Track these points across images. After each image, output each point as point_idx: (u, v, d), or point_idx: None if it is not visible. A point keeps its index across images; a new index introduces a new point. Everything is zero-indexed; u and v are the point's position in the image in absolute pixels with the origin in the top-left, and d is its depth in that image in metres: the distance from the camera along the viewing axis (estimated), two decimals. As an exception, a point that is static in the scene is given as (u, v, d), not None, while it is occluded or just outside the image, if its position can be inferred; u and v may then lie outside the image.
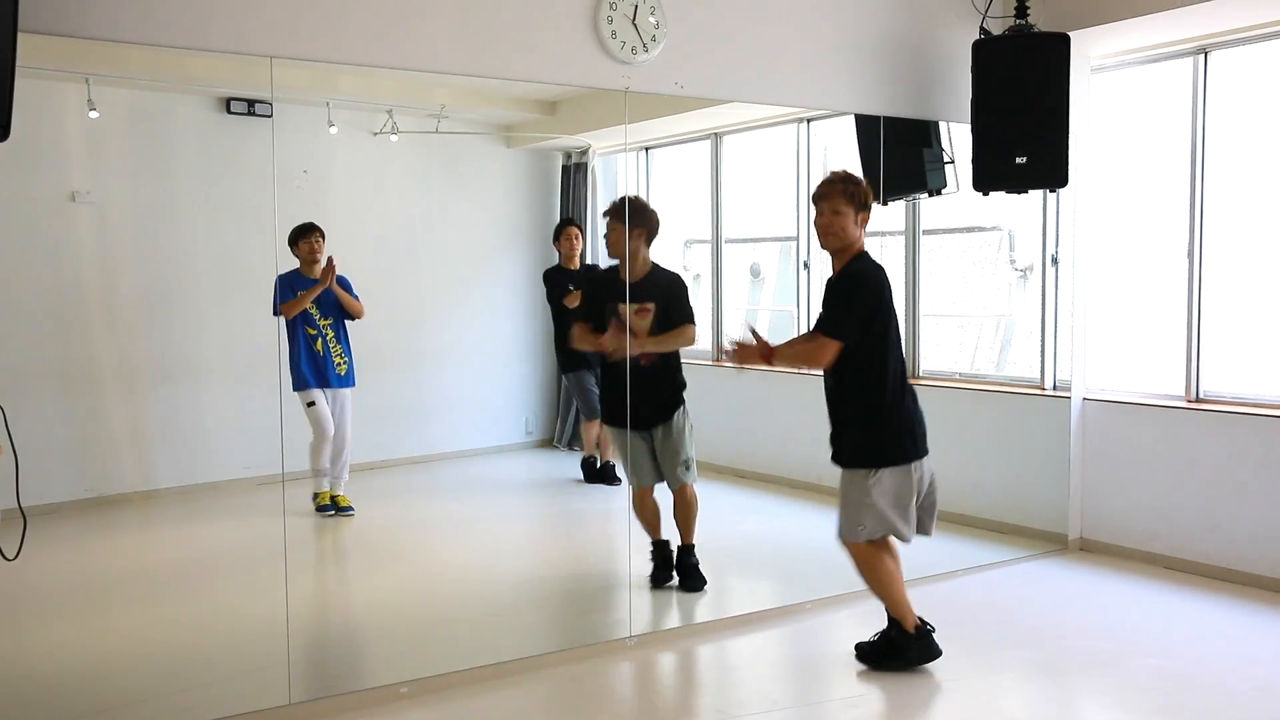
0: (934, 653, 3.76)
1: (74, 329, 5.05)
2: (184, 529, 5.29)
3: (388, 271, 5.65)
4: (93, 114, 4.82)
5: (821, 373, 3.72)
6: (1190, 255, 4.98)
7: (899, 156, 5.07)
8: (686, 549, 4.59)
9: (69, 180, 4.94)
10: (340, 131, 5.39)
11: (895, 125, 4.92)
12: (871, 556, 3.68)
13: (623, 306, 4.43)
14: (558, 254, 5.61)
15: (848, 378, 3.62)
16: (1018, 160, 4.58)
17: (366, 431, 5.45)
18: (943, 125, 5.11)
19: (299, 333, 5.16)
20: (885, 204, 5.21)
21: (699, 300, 5.31)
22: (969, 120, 4.71)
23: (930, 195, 5.34)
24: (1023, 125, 4.57)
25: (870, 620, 3.90)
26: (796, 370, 3.99)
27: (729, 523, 5.54)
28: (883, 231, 5.85)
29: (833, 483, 3.78)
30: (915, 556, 3.96)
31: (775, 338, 3.75)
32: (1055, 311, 5.39)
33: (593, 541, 5.59)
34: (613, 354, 4.43)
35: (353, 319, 5.26)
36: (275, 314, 4.95)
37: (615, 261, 4.51)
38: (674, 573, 4.61)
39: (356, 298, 5.23)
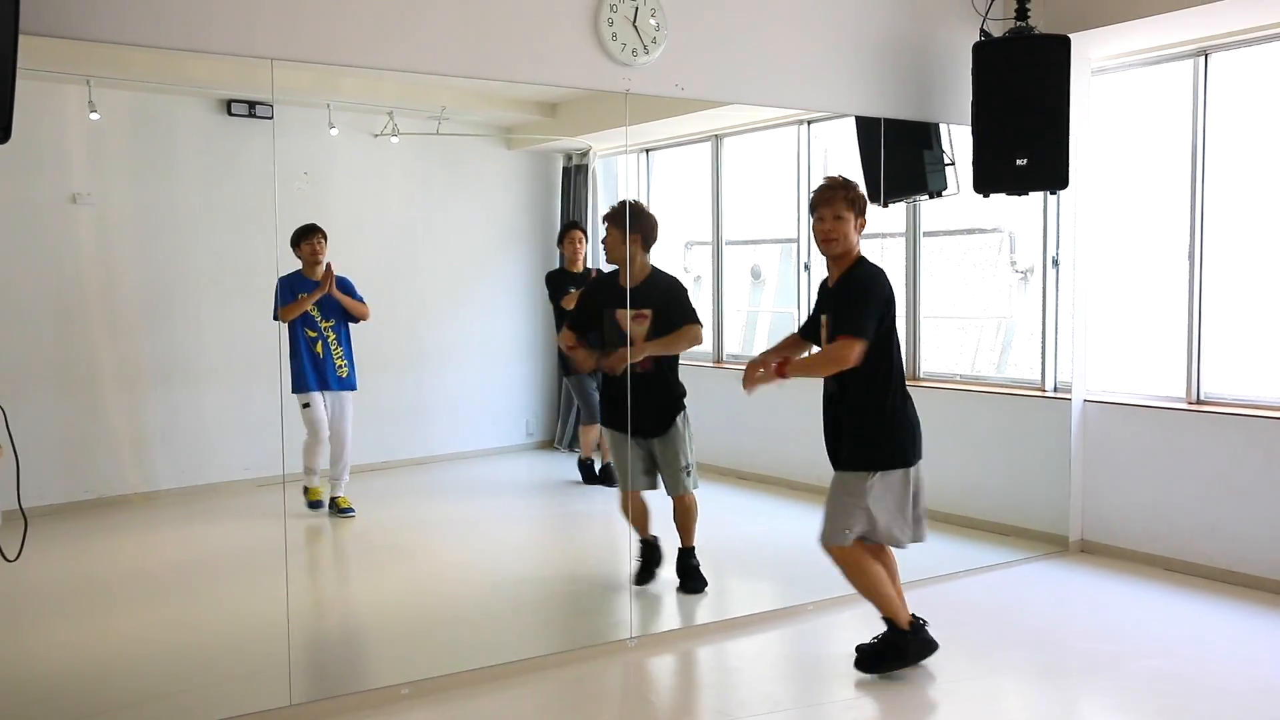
0: (931, 646, 3.77)
1: (75, 330, 5.05)
2: (184, 530, 5.29)
3: (388, 273, 5.66)
4: (94, 116, 4.83)
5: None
6: (1191, 257, 4.98)
7: (899, 158, 5.07)
8: (687, 551, 4.59)
9: (70, 182, 4.94)
10: (341, 133, 5.39)
11: (896, 127, 4.93)
12: (858, 558, 3.66)
13: (621, 313, 4.43)
14: (561, 257, 5.62)
15: (853, 379, 3.60)
16: (1018, 162, 4.59)
17: (367, 433, 5.46)
18: (943, 127, 5.11)
19: (300, 334, 5.17)
20: (886, 206, 5.21)
21: (700, 302, 5.31)
22: (969, 122, 4.72)
23: (931, 197, 5.34)
24: (1023, 127, 4.57)
25: (871, 622, 3.89)
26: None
27: (730, 524, 5.54)
28: (883, 233, 5.85)
29: (834, 484, 3.77)
30: (916, 558, 3.96)
31: (776, 338, 3.73)
32: (1056, 313, 5.39)
33: (594, 543, 5.59)
34: (610, 369, 4.43)
35: (357, 322, 5.27)
36: (275, 318, 4.96)
37: (614, 266, 4.52)
38: (657, 572, 4.63)
39: (361, 299, 5.23)
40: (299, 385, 5.18)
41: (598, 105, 5.06)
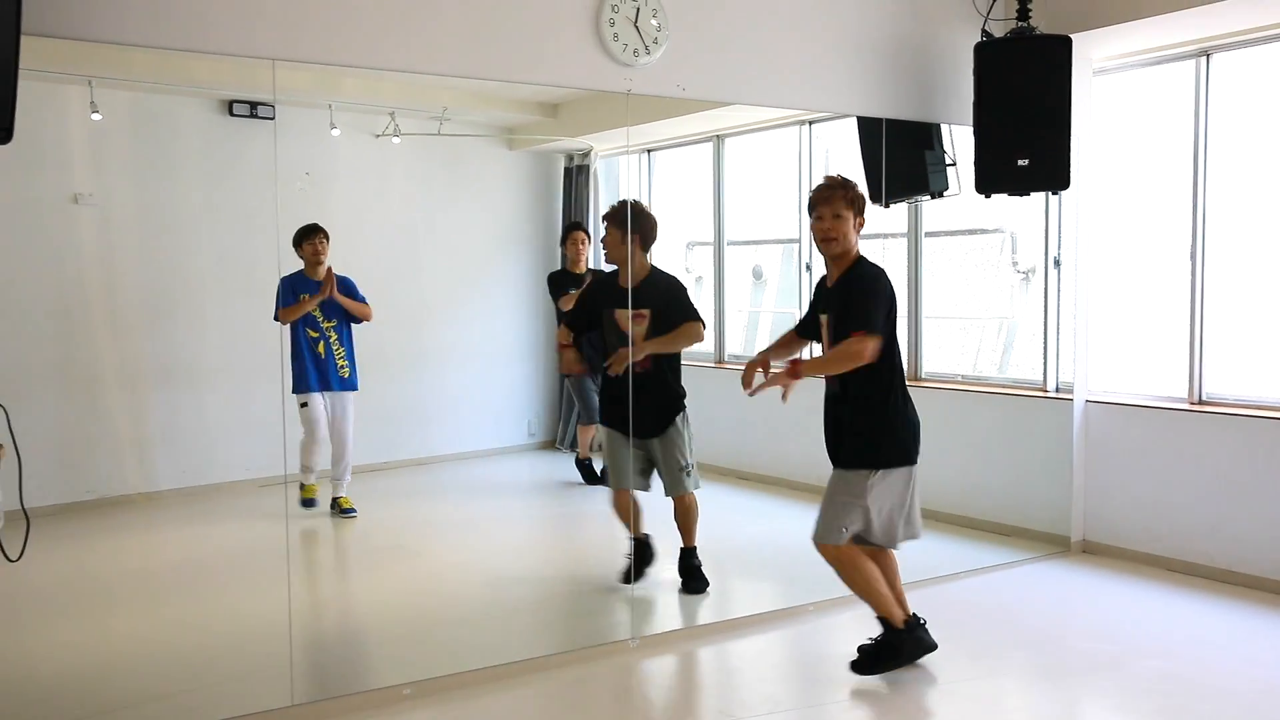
0: (928, 645, 3.77)
1: (77, 330, 5.06)
2: (186, 530, 5.29)
3: (390, 273, 5.66)
4: (95, 116, 4.83)
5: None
6: (1192, 257, 4.98)
7: (901, 159, 5.07)
8: (689, 551, 4.59)
9: (72, 182, 4.94)
10: (342, 134, 5.40)
11: (897, 127, 4.92)
12: (853, 557, 3.65)
13: (621, 313, 4.43)
14: (564, 257, 5.62)
15: (855, 378, 3.59)
16: (1020, 162, 4.58)
17: (368, 433, 5.46)
18: (945, 127, 5.11)
19: (302, 335, 5.17)
20: (887, 206, 5.21)
21: (701, 302, 5.31)
22: (971, 122, 4.71)
23: (932, 197, 5.34)
24: (1025, 127, 4.57)
25: (872, 623, 3.89)
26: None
27: (731, 525, 5.54)
28: (885, 234, 5.85)
29: (835, 485, 3.77)
30: (917, 558, 3.96)
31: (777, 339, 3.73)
32: (1058, 313, 5.39)
33: (595, 543, 5.58)
34: (611, 370, 4.43)
35: (359, 322, 5.27)
36: (275, 319, 4.97)
37: (614, 267, 4.52)
38: (647, 571, 4.63)
39: (363, 300, 5.23)
40: (300, 385, 5.18)
41: (599, 106, 5.06)
